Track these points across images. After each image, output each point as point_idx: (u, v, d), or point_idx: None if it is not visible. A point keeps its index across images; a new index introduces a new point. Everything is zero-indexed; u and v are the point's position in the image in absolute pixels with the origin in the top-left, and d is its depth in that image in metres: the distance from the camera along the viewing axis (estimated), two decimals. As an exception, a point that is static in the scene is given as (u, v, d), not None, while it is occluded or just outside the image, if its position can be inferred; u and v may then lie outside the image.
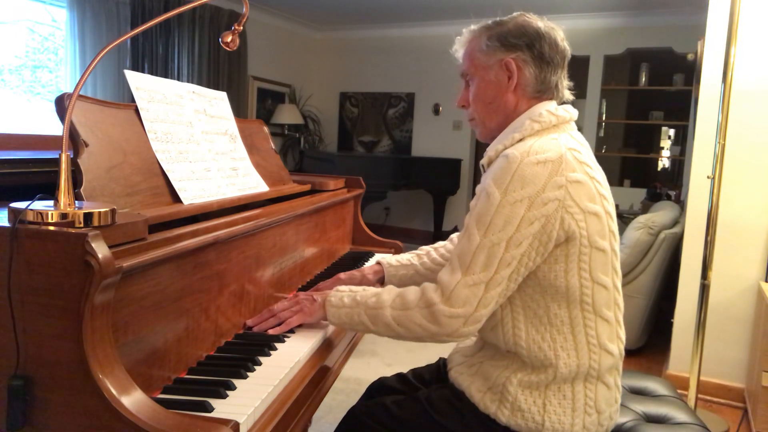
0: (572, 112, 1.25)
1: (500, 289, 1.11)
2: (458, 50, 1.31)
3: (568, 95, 1.28)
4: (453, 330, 1.11)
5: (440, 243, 1.64)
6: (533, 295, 1.16)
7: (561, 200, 1.09)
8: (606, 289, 1.17)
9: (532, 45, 1.21)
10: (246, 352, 1.14)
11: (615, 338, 1.20)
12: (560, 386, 1.16)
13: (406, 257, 1.62)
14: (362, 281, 1.56)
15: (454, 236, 1.63)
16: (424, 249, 1.63)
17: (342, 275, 1.55)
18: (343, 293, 1.25)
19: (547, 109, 1.21)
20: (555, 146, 1.13)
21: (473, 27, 1.29)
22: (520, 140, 1.18)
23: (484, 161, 1.26)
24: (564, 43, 1.25)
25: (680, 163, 6.27)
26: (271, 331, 1.25)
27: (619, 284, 1.22)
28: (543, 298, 1.16)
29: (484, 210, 1.11)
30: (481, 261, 1.10)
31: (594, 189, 1.14)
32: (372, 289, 1.25)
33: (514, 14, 1.26)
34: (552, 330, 1.16)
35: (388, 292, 1.20)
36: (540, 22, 1.24)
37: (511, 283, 1.12)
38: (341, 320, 1.24)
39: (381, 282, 1.59)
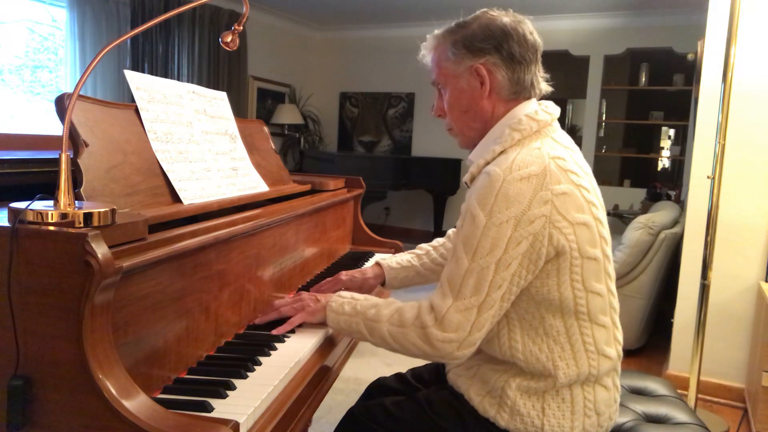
0: (553, 112, 1.20)
1: (493, 311, 1.09)
2: (426, 56, 1.27)
3: (546, 88, 1.23)
4: (447, 353, 1.10)
5: (438, 240, 1.63)
6: (527, 307, 1.14)
7: (548, 216, 1.06)
8: (600, 296, 1.15)
9: (500, 46, 1.16)
10: (246, 352, 1.14)
11: (612, 341, 1.19)
12: (559, 390, 1.16)
13: (406, 258, 1.61)
14: (363, 283, 1.55)
15: (451, 232, 1.62)
16: (423, 248, 1.62)
17: (343, 275, 1.55)
18: (345, 300, 1.24)
19: (526, 114, 1.17)
20: (538, 158, 1.09)
21: (436, 32, 1.25)
22: (502, 152, 1.15)
23: (467, 178, 1.22)
24: (533, 36, 1.18)
25: (680, 163, 6.27)
26: (274, 331, 1.24)
27: (613, 287, 1.20)
28: (537, 310, 1.14)
29: (470, 233, 1.09)
30: (471, 285, 1.08)
31: (581, 198, 1.11)
32: (373, 299, 1.23)
33: (477, 13, 1.20)
34: (548, 340, 1.14)
35: (387, 306, 1.18)
36: (505, 18, 1.18)
37: (504, 303, 1.10)
38: (340, 326, 1.23)
39: (383, 284, 1.59)
